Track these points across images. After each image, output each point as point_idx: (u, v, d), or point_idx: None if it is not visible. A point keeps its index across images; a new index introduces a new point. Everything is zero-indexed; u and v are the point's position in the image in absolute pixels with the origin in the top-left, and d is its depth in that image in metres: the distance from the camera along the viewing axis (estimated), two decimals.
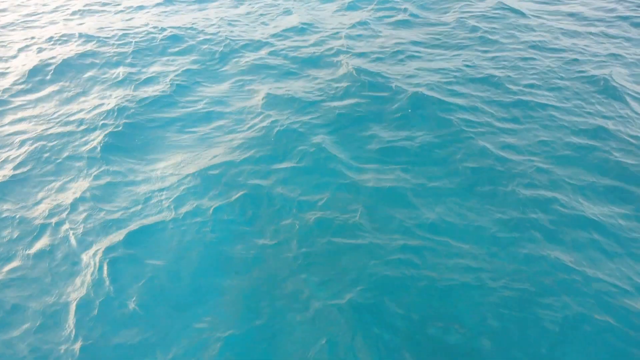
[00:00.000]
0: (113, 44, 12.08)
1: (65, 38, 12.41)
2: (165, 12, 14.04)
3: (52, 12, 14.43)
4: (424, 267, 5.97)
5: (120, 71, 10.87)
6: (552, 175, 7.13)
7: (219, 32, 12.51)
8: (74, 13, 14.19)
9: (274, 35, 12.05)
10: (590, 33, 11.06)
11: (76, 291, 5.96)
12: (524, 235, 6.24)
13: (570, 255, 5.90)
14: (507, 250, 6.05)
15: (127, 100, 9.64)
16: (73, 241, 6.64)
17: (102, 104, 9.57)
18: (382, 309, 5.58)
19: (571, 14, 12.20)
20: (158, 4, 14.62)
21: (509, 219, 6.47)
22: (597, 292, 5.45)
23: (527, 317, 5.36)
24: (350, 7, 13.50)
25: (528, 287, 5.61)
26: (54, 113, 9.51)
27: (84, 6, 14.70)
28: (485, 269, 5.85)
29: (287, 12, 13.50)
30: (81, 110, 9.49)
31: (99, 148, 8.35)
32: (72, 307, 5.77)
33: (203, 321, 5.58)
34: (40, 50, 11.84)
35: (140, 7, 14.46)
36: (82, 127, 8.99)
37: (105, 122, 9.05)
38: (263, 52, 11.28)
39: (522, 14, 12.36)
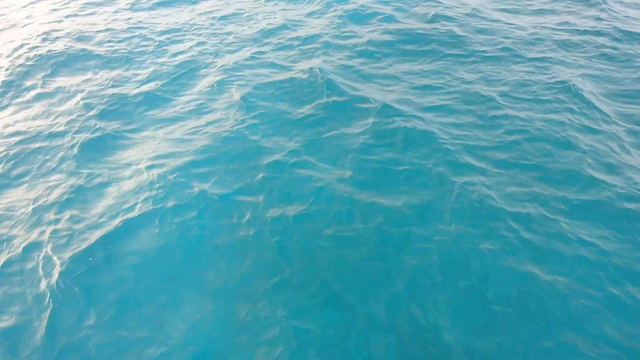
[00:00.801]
0: (99, 45, 12.02)
1: (51, 38, 12.33)
2: (153, 14, 13.97)
3: (45, 14, 14.31)
4: (402, 270, 6.05)
5: (102, 72, 10.83)
6: (529, 187, 7.15)
7: (203, 34, 12.48)
8: (66, 14, 14.09)
9: (255, 40, 12.06)
10: (568, 41, 11.15)
11: (53, 296, 5.93)
12: (503, 246, 6.27)
13: (546, 268, 5.96)
14: (485, 259, 6.11)
15: (107, 102, 9.65)
16: (49, 245, 6.59)
17: (84, 106, 9.54)
18: (361, 309, 5.64)
19: (549, 22, 12.26)
20: (148, 6, 14.55)
21: (488, 230, 6.50)
22: (571, 305, 5.55)
23: (502, 324, 5.46)
24: (331, 9, 13.50)
25: (505, 297, 5.70)
26: (34, 114, 9.47)
27: (75, 6, 14.61)
28: (463, 276, 5.94)
29: (272, 14, 13.49)
30: (62, 111, 9.46)
31: (78, 149, 8.33)
32: (47, 313, 5.74)
33: (179, 324, 5.59)
34: (24, 50, 11.77)
35: (129, 9, 14.34)
36: (63, 128, 8.96)
37: (85, 123, 9.03)
38: (245, 54, 11.28)
39: (498, 21, 12.42)
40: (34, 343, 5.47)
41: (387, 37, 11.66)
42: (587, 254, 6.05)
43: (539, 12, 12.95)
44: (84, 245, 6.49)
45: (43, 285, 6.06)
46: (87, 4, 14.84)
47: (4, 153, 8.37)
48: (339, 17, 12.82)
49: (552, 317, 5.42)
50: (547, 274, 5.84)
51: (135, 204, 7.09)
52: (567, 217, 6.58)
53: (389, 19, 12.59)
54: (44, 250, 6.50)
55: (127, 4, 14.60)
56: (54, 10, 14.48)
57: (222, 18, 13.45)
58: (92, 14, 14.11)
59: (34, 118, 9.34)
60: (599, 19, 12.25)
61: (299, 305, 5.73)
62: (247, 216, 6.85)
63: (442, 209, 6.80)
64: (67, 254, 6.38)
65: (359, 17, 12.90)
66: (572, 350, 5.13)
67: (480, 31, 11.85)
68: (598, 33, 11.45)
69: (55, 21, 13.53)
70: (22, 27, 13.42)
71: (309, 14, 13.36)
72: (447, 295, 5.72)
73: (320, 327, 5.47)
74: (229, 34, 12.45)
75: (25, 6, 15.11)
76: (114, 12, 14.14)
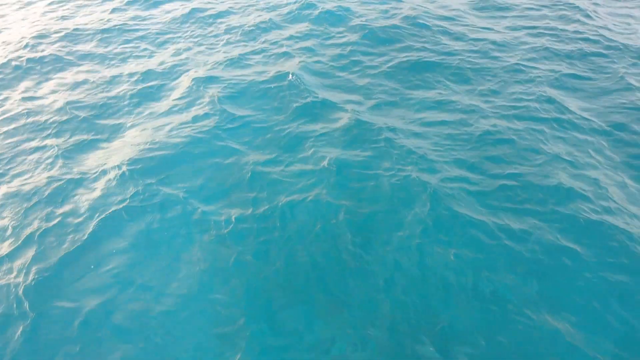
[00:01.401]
0: (89, 47, 12.19)
1: (42, 40, 12.47)
2: (142, 15, 14.09)
3: (39, 15, 14.45)
4: (382, 274, 6.20)
5: (89, 74, 11.00)
6: (508, 194, 7.20)
7: (190, 36, 12.63)
8: (59, 16, 14.23)
9: (240, 41, 12.17)
10: (549, 47, 11.19)
11: (38, 297, 6.05)
12: (483, 252, 6.38)
13: (523, 276, 6.07)
14: (466, 264, 6.25)
15: (92, 104, 9.86)
16: (37, 246, 6.70)
17: (70, 108, 9.72)
18: (342, 314, 5.78)
19: (530, 28, 12.30)
20: (138, 7, 14.69)
21: (466, 236, 6.60)
22: (549, 314, 5.66)
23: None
24: (315, 10, 13.47)
25: (485, 303, 5.83)
26: (21, 115, 9.64)
27: (70, 8, 14.78)
28: (444, 281, 6.08)
29: (259, 16, 13.56)
30: (49, 113, 9.65)
31: (63, 151, 8.52)
32: (32, 315, 5.86)
33: (163, 324, 5.74)
34: (17, 52, 11.93)
35: (119, 9, 14.50)
36: (50, 131, 9.15)
37: (70, 125, 9.23)
38: (228, 56, 11.39)
39: (478, 25, 12.47)
40: (15, 344, 5.58)
41: (367, 42, 11.74)
42: (566, 263, 6.15)
43: (520, 17, 12.97)
44: (70, 246, 6.64)
45: (26, 287, 6.17)
46: (81, 5, 14.96)
47: None
48: (321, 20, 12.91)
49: (531, 326, 5.53)
50: (524, 282, 5.98)
51: (121, 203, 7.24)
52: (547, 223, 6.70)
53: (370, 22, 12.59)
54: (31, 250, 6.63)
55: (116, 6, 14.72)
56: (47, 12, 14.57)
57: (212, 17, 13.57)
58: (84, 15, 14.19)
59: (21, 119, 9.48)
60: (581, 22, 12.35)
61: (281, 308, 5.87)
62: (230, 218, 6.99)
63: (422, 213, 6.91)
64: (53, 256, 6.52)
65: (341, 20, 12.92)
66: None
67: (460, 35, 11.93)
68: (579, 39, 11.53)
69: (48, 23, 13.63)
70: (16, 29, 13.52)
71: (293, 16, 13.40)
72: (425, 301, 5.86)
73: (304, 331, 5.62)
74: (215, 35, 12.57)
75: (23, 7, 15.24)
76: (106, 12, 14.25)
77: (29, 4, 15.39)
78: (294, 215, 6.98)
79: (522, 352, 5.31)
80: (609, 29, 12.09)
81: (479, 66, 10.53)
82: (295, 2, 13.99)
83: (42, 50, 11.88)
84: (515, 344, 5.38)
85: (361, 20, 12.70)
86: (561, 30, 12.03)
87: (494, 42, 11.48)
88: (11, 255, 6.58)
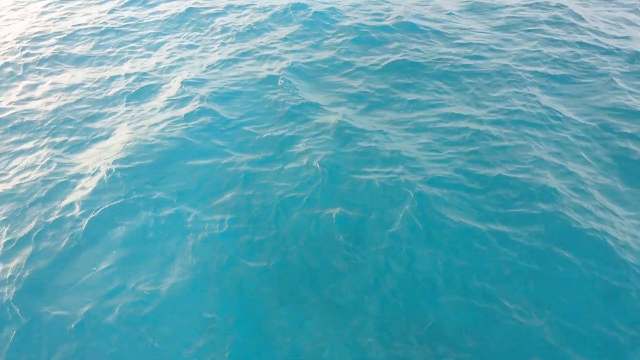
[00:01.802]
0: (81, 47, 12.28)
1: (38, 40, 12.58)
2: (137, 15, 14.13)
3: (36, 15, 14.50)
4: (372, 276, 6.26)
5: (80, 74, 11.08)
6: (495, 200, 7.23)
7: (176, 38, 12.67)
8: (55, 16, 14.30)
9: (235, 43, 12.23)
10: (538, 52, 11.23)
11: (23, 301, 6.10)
12: (472, 259, 6.40)
13: (520, 284, 6.10)
14: (455, 268, 6.29)
15: (83, 104, 9.97)
16: (30, 245, 6.76)
17: (59, 104, 9.90)
18: (332, 317, 5.84)
19: (518, 33, 12.31)
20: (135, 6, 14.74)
21: (454, 242, 6.61)
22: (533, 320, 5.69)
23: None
24: (305, 13, 13.48)
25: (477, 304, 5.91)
26: (11, 112, 9.74)
27: (65, 8, 14.84)
28: (433, 289, 6.11)
29: (255, 17, 13.61)
30: (38, 110, 9.78)
31: (51, 148, 8.66)
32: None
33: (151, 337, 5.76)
34: (5, 50, 12.07)
35: (115, 9, 14.55)
36: (38, 127, 9.32)
37: (65, 126, 9.32)
38: (220, 57, 11.43)
39: (469, 28, 12.48)
40: (9, 347, 5.64)
41: (359, 44, 11.77)
42: (554, 265, 6.19)
43: (513, 19, 12.96)
44: (63, 249, 6.71)
45: (18, 290, 6.23)
46: (78, 6, 15.01)
47: None
48: (314, 22, 12.92)
49: (518, 326, 5.58)
50: (511, 283, 6.04)
51: (114, 204, 7.31)
52: (535, 225, 6.74)
53: (363, 24, 12.58)
54: (23, 253, 6.68)
55: (113, 7, 14.76)
56: (44, 13, 14.61)
57: (206, 19, 13.59)
58: (83, 15, 14.25)
59: (14, 120, 9.53)
60: (573, 25, 12.36)
61: (273, 309, 5.93)
62: (223, 219, 7.04)
63: (412, 215, 6.94)
64: (46, 258, 6.59)
65: (334, 22, 12.92)
66: None
67: (452, 38, 11.96)
68: (571, 42, 11.58)
69: (44, 22, 13.70)
70: (12, 29, 13.57)
71: (286, 18, 13.44)
72: (415, 302, 5.92)
73: (295, 332, 5.69)
74: (209, 38, 12.61)
75: (20, 7, 15.29)
76: (104, 13, 14.30)
77: (26, 4, 15.43)
78: (286, 217, 7.05)
79: (509, 352, 5.38)
80: (602, 32, 12.16)
81: (470, 68, 10.58)
82: (288, 4, 14.01)
83: (38, 52, 11.95)
84: (503, 344, 5.45)
85: (353, 23, 12.73)
86: (554, 32, 12.09)
87: (485, 45, 11.54)
88: (3, 258, 6.62)
